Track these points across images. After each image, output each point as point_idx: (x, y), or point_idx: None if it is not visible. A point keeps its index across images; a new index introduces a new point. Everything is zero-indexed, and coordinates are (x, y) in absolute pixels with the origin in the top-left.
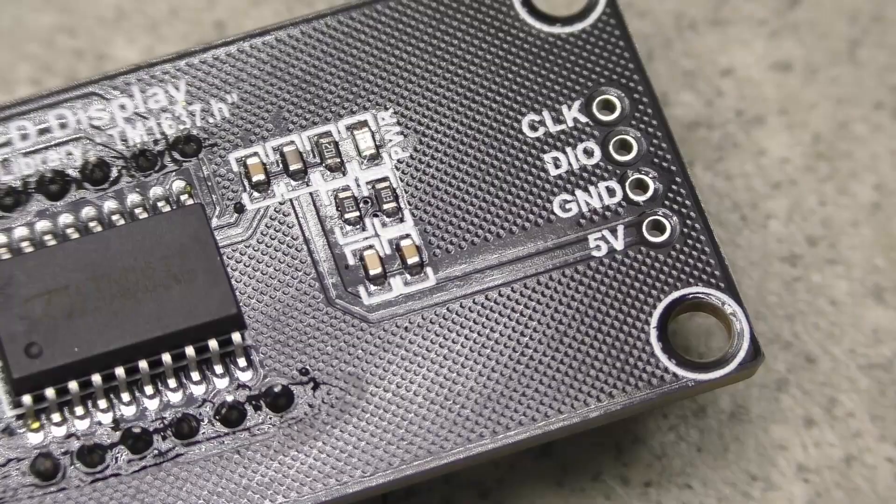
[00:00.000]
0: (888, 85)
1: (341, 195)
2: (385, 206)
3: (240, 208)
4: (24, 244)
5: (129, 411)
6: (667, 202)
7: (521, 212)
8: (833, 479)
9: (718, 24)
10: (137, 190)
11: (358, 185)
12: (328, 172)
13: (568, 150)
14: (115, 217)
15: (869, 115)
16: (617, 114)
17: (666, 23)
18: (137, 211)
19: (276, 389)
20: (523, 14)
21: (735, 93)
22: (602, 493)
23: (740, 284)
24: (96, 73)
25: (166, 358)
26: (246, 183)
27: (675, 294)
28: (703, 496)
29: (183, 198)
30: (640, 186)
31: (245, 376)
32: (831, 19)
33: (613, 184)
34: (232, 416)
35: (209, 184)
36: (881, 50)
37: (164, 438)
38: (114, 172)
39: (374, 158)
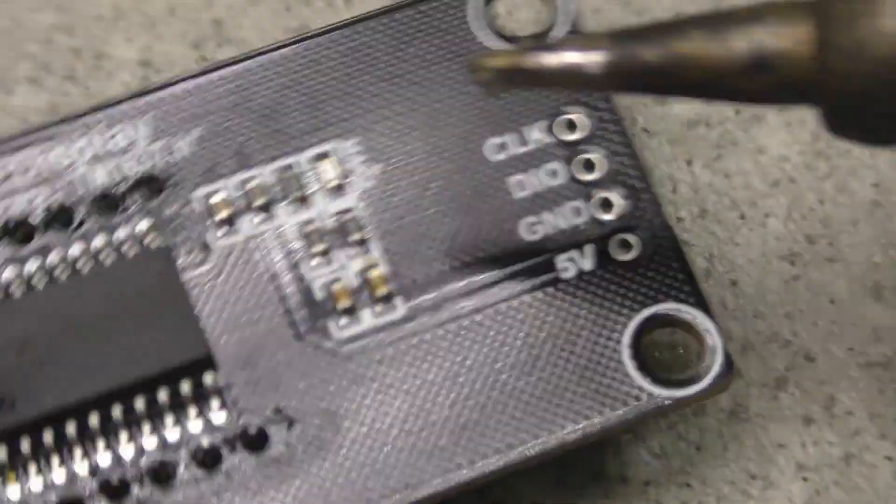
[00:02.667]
0: None
1: (308, 228)
2: (352, 238)
3: (205, 247)
4: None
5: (104, 459)
6: (634, 220)
7: (489, 236)
8: (832, 477)
9: None
10: (103, 232)
11: (324, 218)
12: (293, 206)
13: (532, 171)
14: (81, 261)
15: None
16: (581, 133)
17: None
18: (103, 255)
19: (251, 430)
20: (483, 36)
21: None
22: (601, 491)
23: (739, 283)
24: (52, 117)
25: (139, 404)
26: (211, 220)
27: (647, 312)
28: (702, 495)
29: (148, 238)
30: (607, 205)
31: (219, 418)
32: None
33: (580, 203)
34: (208, 460)
35: (174, 223)
36: None
37: (141, 486)
38: (78, 216)
39: (339, 189)
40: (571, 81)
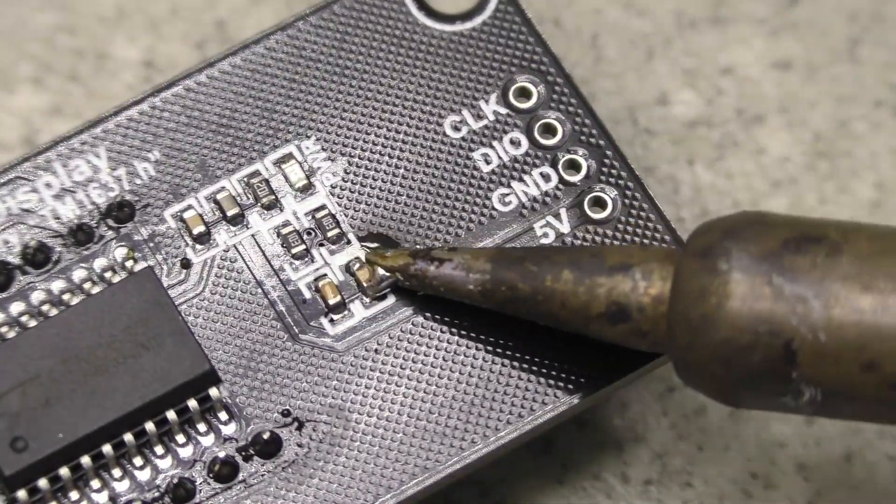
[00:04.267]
0: (888, 83)
1: (284, 231)
2: (329, 234)
3: (186, 263)
4: None
5: (122, 486)
6: (602, 177)
7: (463, 213)
8: (833, 476)
9: (718, 22)
10: (82, 265)
11: (297, 218)
12: (265, 211)
13: (495, 143)
14: (66, 296)
15: (869, 113)
16: (534, 99)
17: (666, 21)
18: (87, 286)
19: (264, 436)
20: (422, 18)
21: (735, 91)
22: (603, 491)
23: None
24: (15, 157)
25: (150, 426)
26: (187, 237)
27: None
28: (703, 494)
29: (128, 264)
30: (573, 167)
31: (229, 429)
32: (831, 18)
33: (547, 169)
34: (224, 472)
35: (150, 245)
36: (881, 48)
37: None
38: (55, 252)
39: (308, 188)
40: (451, 293)
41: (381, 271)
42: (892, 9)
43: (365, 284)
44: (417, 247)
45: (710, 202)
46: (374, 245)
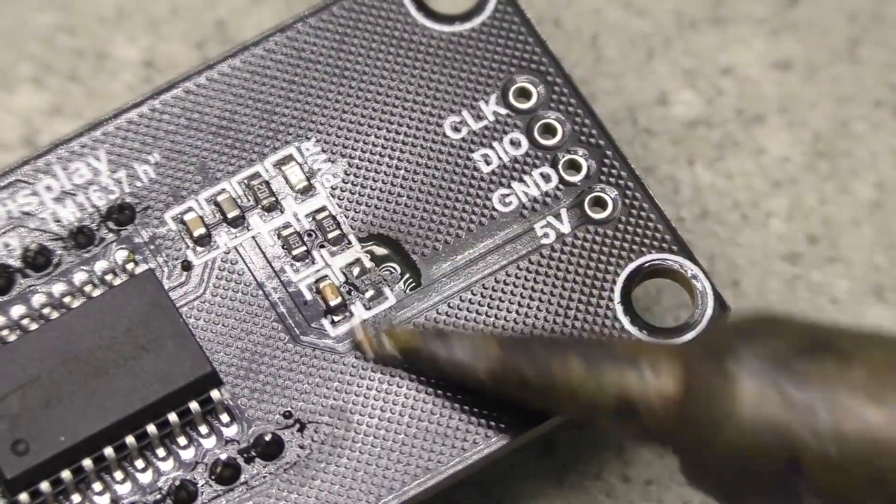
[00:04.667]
0: (888, 83)
1: (284, 233)
2: (329, 235)
3: (187, 266)
4: None
5: (124, 489)
6: (602, 177)
7: (464, 214)
8: None
9: (718, 22)
10: (83, 268)
11: (298, 220)
12: (266, 213)
13: (495, 144)
14: (67, 299)
15: (869, 113)
16: (534, 100)
17: (666, 21)
18: (87, 289)
19: (266, 438)
20: (421, 19)
21: (735, 91)
22: (603, 491)
23: (741, 283)
24: (15, 159)
25: (151, 428)
26: (188, 239)
27: (632, 265)
28: (703, 494)
29: (129, 266)
30: (574, 167)
31: (231, 431)
32: (831, 18)
33: (547, 169)
34: (227, 474)
35: (151, 247)
36: (881, 48)
37: None
38: (55, 255)
39: (308, 190)
40: (460, 374)
41: (386, 344)
42: (892, 9)
43: (369, 350)
44: (423, 328)
45: (710, 202)
46: (374, 316)
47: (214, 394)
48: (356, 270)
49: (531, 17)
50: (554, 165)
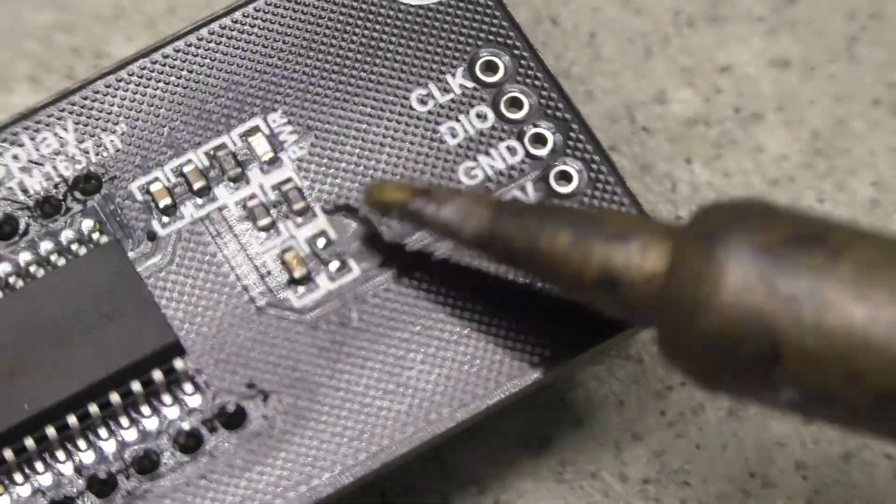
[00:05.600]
0: (886, 82)
1: (250, 204)
2: (295, 207)
3: (153, 236)
4: None
5: (88, 457)
6: (568, 151)
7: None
8: (832, 475)
9: (716, 20)
10: (49, 237)
11: (264, 191)
12: (232, 184)
13: (461, 117)
14: (33, 268)
15: (867, 111)
16: (501, 73)
17: (663, 20)
18: (53, 258)
19: (229, 409)
20: None
21: (733, 90)
22: (600, 490)
23: None
24: None
25: (115, 398)
26: (154, 210)
27: None
28: (701, 493)
29: (94, 236)
30: (539, 140)
31: (194, 401)
32: (829, 16)
33: (513, 142)
34: (190, 443)
35: (117, 217)
36: (879, 47)
37: (128, 478)
38: (22, 224)
39: (274, 161)
40: (444, 234)
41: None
42: (890, 7)
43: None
44: (417, 184)
45: (708, 200)
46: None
47: (178, 363)
48: (321, 242)
49: (528, 15)
50: (520, 139)
